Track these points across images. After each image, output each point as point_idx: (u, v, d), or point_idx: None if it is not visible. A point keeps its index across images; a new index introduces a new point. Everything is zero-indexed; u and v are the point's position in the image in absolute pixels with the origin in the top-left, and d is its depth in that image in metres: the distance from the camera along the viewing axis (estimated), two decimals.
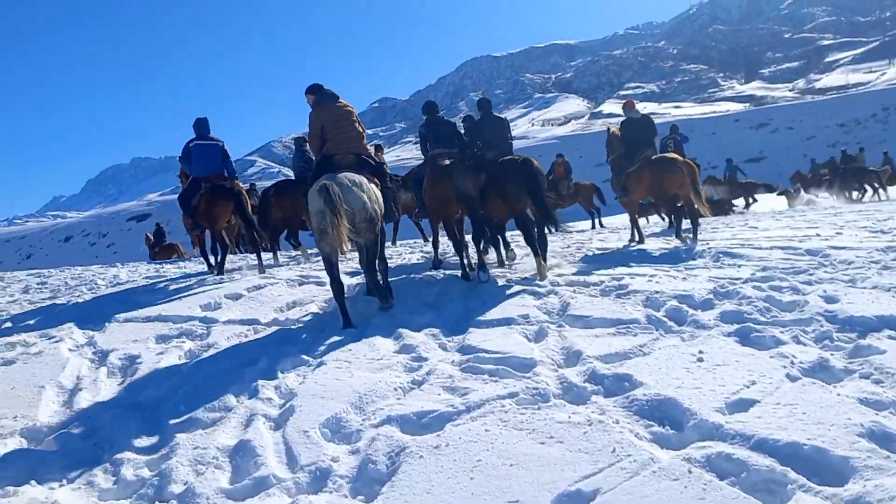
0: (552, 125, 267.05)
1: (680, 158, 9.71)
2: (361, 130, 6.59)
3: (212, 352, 5.11)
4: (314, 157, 6.71)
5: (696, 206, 9.22)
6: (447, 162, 7.88)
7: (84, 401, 4.34)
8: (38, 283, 10.00)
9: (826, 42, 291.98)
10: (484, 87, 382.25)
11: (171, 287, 8.11)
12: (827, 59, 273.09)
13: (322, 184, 5.36)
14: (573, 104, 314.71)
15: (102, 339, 5.64)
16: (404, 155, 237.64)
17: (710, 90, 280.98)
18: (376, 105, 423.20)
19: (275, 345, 5.12)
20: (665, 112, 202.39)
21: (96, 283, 9.49)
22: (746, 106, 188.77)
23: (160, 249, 21.24)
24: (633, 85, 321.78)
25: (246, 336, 5.51)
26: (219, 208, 9.09)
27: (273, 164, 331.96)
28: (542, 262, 7.08)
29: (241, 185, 9.65)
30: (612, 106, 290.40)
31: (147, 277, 9.79)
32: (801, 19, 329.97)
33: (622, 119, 10.57)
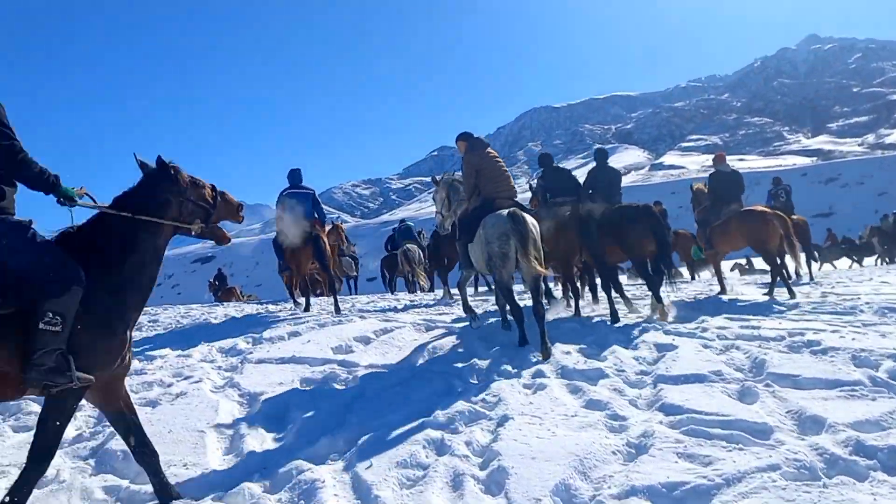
0: None
1: (769, 210, 9.57)
2: (510, 177, 6.94)
3: (373, 401, 4.71)
4: (467, 199, 7.15)
5: (784, 260, 9.27)
6: (566, 210, 7.95)
7: (253, 447, 4.00)
8: (149, 322, 9.89)
9: None
10: (543, 137, 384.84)
11: (288, 328, 7.69)
12: None
13: (510, 211, 5.85)
14: (633, 155, 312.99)
15: (246, 382, 5.34)
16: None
17: (776, 143, 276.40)
18: (435, 154, 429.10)
19: (440, 395, 4.70)
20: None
21: (208, 322, 9.31)
22: (813, 160, 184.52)
23: (222, 293, 23.06)
24: (694, 137, 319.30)
25: (399, 383, 5.11)
26: (302, 252, 9.78)
27: (333, 210, 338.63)
28: (663, 306, 7.33)
29: (320, 229, 10.04)
30: (673, 157, 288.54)
31: (252, 315, 9.64)
32: (869, 73, 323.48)
33: (710, 172, 10.48)
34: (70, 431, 4.16)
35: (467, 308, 7.66)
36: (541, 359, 5.46)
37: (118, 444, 3.66)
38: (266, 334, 7.15)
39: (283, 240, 9.90)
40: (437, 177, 8.51)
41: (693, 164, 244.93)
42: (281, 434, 4.23)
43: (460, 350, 6.20)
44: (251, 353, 6.30)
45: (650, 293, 7.64)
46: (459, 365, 5.52)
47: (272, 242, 10.75)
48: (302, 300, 10.49)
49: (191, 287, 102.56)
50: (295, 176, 10.34)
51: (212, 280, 25.65)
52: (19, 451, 3.81)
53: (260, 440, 4.12)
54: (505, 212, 5.94)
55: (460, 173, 7.61)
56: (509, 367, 5.23)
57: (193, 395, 4.99)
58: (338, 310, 9.45)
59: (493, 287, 9.87)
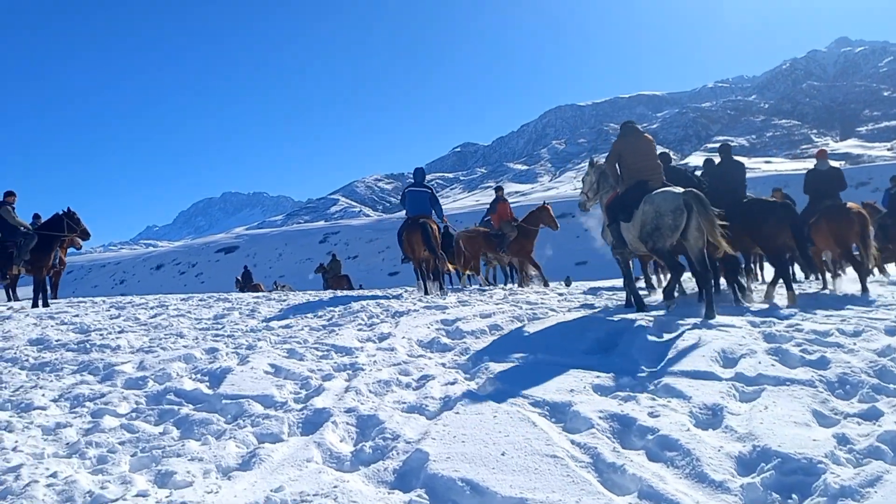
0: None
1: (855, 207, 9.62)
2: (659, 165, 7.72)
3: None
4: (614, 185, 7.81)
5: (862, 257, 9.26)
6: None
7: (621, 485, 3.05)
8: (342, 310, 8.66)
9: None
10: (567, 135, 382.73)
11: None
12: None
13: (687, 190, 6.71)
14: None
15: (539, 391, 4.26)
16: (483, 199, 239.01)
17: (803, 146, 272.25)
18: (458, 149, 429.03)
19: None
20: (755, 167, 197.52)
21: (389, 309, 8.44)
22: (842, 164, 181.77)
23: (247, 289, 23.79)
24: (721, 138, 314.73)
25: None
26: (413, 237, 11.44)
27: (355, 204, 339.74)
28: (793, 293, 7.85)
29: (434, 224, 11.66)
30: (699, 159, 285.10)
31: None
32: None
33: (808, 169, 10.55)
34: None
35: (637, 296, 7.74)
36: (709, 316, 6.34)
37: None
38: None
39: (401, 227, 11.88)
40: (594, 158, 8.94)
41: None
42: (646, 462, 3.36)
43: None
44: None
45: (772, 283, 8.50)
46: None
47: (396, 234, 12.44)
48: (431, 284, 11.79)
49: (216, 277, 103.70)
50: (418, 174, 12.33)
51: (238, 277, 26.18)
52: None
53: (641, 468, 3.20)
54: (678, 189, 6.75)
55: None
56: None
57: (496, 413, 3.90)
58: (442, 292, 11.25)
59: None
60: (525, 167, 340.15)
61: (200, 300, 11.47)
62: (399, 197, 13.01)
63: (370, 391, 4.54)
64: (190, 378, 4.99)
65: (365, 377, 4.84)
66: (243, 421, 4.03)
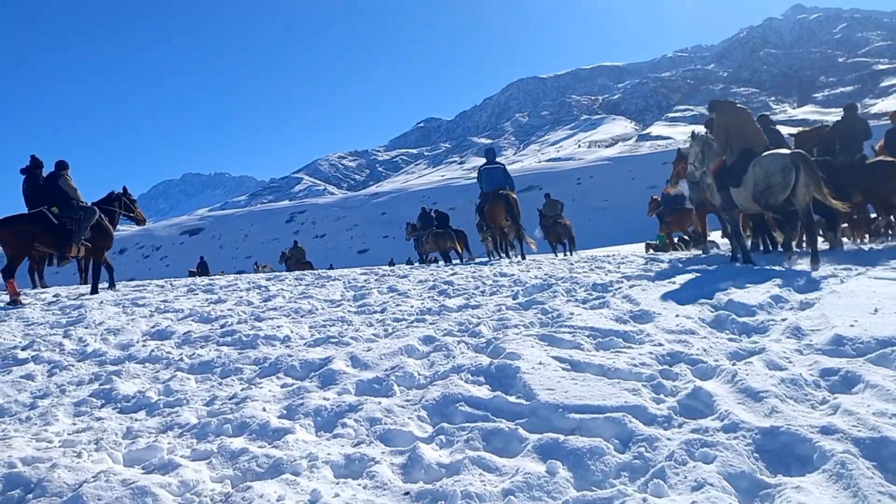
0: (599, 147, 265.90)
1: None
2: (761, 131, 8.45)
3: None
4: (721, 154, 8.50)
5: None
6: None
7: None
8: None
9: (881, 66, 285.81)
10: (529, 108, 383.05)
11: None
12: (882, 84, 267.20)
13: (793, 151, 7.53)
14: (620, 126, 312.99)
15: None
16: (448, 174, 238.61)
17: (762, 113, 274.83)
18: (422, 125, 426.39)
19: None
20: None
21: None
22: (800, 130, 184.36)
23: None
24: (681, 107, 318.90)
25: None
26: (496, 209, 12.97)
27: (319, 182, 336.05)
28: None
29: (514, 195, 13.29)
30: (661, 128, 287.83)
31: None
32: (855, 43, 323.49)
33: (888, 129, 10.65)
34: None
35: (745, 250, 8.61)
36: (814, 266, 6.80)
37: None
38: None
39: (483, 202, 13.53)
40: (695, 130, 9.83)
41: (680, 135, 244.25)
42: None
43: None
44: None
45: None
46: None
47: (476, 209, 14.36)
48: (497, 255, 13.86)
49: (181, 260, 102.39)
50: (490, 153, 14.34)
51: (194, 269, 24.84)
52: None
53: None
54: (785, 151, 7.55)
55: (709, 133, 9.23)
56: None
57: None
58: (523, 256, 12.84)
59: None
60: (489, 141, 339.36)
61: (269, 279, 10.13)
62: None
63: None
64: (461, 379, 3.39)
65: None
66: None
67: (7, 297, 7.91)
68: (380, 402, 3.15)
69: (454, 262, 15.37)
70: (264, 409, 3.17)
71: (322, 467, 2.49)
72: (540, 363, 3.49)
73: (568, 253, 18.23)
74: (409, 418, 2.97)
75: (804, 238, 8.50)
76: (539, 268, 9.23)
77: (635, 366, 3.42)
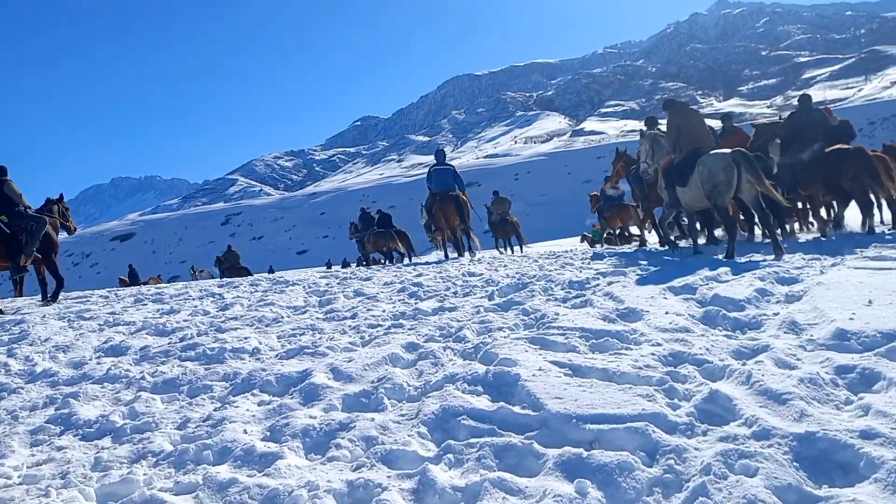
0: (535, 142, 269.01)
1: None
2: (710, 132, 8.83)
3: None
4: (671, 153, 8.75)
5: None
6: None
7: None
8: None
9: (803, 59, 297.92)
10: (465, 105, 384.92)
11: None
12: (804, 76, 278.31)
13: (734, 150, 7.63)
14: (555, 122, 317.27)
15: None
16: (387, 173, 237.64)
17: (725, 111, 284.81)
18: (358, 123, 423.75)
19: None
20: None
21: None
22: (760, 122, 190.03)
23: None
24: (613, 103, 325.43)
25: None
26: (447, 210, 13.12)
27: (255, 183, 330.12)
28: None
29: (465, 196, 13.56)
30: (593, 123, 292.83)
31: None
32: (777, 37, 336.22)
33: None
34: None
35: (669, 241, 9.64)
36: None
37: None
38: None
39: (431, 203, 13.57)
40: (643, 128, 10.04)
41: (612, 130, 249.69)
42: None
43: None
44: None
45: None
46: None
47: (423, 208, 14.73)
48: (453, 253, 14.12)
49: (112, 267, 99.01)
50: (439, 155, 14.35)
51: (124, 277, 23.87)
52: None
53: None
54: (727, 150, 7.71)
55: (663, 128, 9.42)
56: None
57: None
58: (473, 253, 13.36)
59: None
60: (427, 138, 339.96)
61: (221, 285, 9.52)
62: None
63: None
64: (458, 389, 3.16)
65: None
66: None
67: None
68: (373, 419, 2.90)
69: (396, 263, 15.38)
70: (245, 432, 2.90)
71: (325, 497, 2.23)
72: (540, 369, 3.28)
73: (518, 248, 18.72)
74: (408, 435, 2.72)
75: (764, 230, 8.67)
76: (506, 266, 9.10)
77: (640, 368, 3.24)
